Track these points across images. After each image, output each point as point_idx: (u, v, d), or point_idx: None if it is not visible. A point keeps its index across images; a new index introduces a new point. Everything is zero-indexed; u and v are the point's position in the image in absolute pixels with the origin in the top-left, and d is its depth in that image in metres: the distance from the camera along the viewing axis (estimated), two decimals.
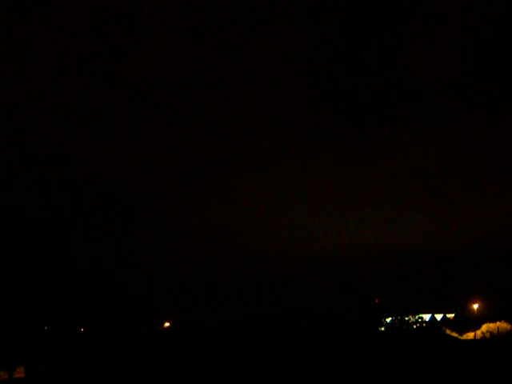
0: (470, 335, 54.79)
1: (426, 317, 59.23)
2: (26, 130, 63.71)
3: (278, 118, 71.75)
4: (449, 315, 62.35)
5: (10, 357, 44.16)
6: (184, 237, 65.99)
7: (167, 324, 59.57)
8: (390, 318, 57.15)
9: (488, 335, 52.55)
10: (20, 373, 45.37)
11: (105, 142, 66.85)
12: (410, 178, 72.12)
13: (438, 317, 61.71)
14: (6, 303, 44.96)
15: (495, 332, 52.32)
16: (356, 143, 73.17)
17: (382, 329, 56.77)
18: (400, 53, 72.44)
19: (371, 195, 70.01)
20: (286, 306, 60.17)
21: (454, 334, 55.19)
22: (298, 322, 57.43)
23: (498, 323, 53.35)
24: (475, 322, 55.96)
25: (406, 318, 55.89)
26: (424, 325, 56.54)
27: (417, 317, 55.96)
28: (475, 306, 58.29)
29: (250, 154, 72.77)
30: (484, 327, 54.77)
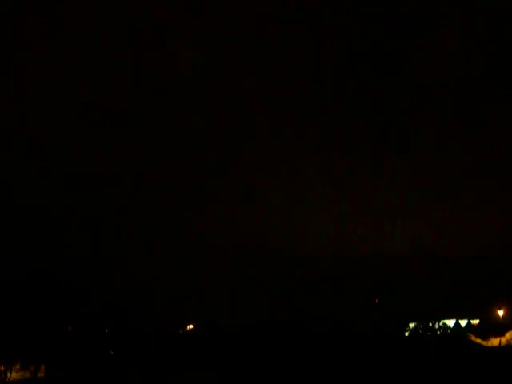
0: (495, 342, 54.04)
1: (451, 323, 58.46)
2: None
3: (285, 123, 71.32)
4: (473, 321, 61.50)
5: (33, 356, 44.52)
6: (198, 242, 65.85)
7: (191, 326, 59.55)
8: (413, 324, 56.54)
9: None
10: (41, 372, 45.88)
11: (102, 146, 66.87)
12: (436, 180, 71.17)
13: (463, 323, 60.89)
14: (30, 304, 45.19)
15: None
16: (368, 152, 72.54)
17: (406, 334, 56.17)
18: (421, 60, 71.69)
19: (386, 202, 69.38)
20: (301, 311, 59.77)
21: (479, 341, 54.50)
22: (317, 326, 56.96)
23: None
24: (500, 328, 55.17)
25: (430, 324, 55.29)
26: (448, 331, 55.87)
27: (441, 323, 55.31)
28: (500, 313, 57.46)
29: (259, 159, 72.23)
30: (508, 334, 54.03)
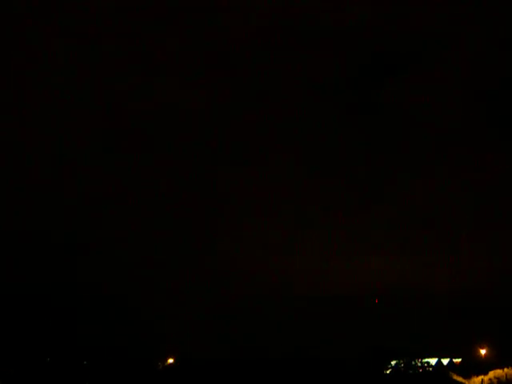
0: (477, 381, 53.71)
1: (433, 361, 58.34)
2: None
3: (282, 151, 72.25)
4: (455, 360, 61.32)
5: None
6: (191, 273, 66.00)
7: (171, 360, 58.81)
8: (394, 361, 56.39)
9: (496, 382, 51.51)
10: None
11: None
12: (415, 222, 72.23)
13: (445, 361, 60.71)
14: (9, 332, 45.07)
15: (503, 379, 51.29)
16: (364, 188, 73.67)
17: (387, 372, 55.94)
18: (408, 95, 73.66)
19: (375, 240, 70.10)
20: (287, 347, 59.58)
21: (461, 380, 54.15)
22: (301, 365, 56.64)
23: (505, 370, 52.35)
24: (482, 367, 54.93)
25: (413, 362, 55.16)
26: (430, 369, 55.68)
27: (423, 360, 55.20)
28: (483, 352, 57.40)
29: (258, 191, 73.13)
30: (491, 373, 53.75)
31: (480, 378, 53.61)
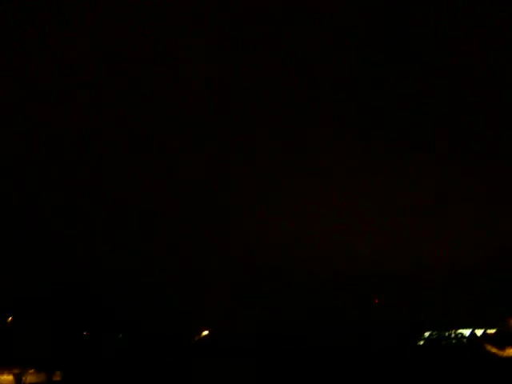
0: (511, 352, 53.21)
1: (466, 332, 57.86)
2: None
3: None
4: (490, 331, 60.66)
5: (48, 360, 45.28)
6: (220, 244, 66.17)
7: (205, 332, 59.56)
8: (428, 333, 56.09)
9: None
10: (57, 376, 46.64)
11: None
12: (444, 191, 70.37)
13: (479, 332, 60.12)
14: (46, 307, 46.09)
15: None
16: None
17: (421, 343, 55.72)
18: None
19: (417, 209, 68.64)
20: (314, 320, 59.60)
21: (495, 350, 53.71)
22: (333, 337, 56.73)
23: None
24: None
25: (446, 333, 54.78)
26: (464, 340, 55.28)
27: (456, 332, 54.78)
28: None
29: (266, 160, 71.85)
30: None
31: None
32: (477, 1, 53.90)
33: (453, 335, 54.92)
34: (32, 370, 44.30)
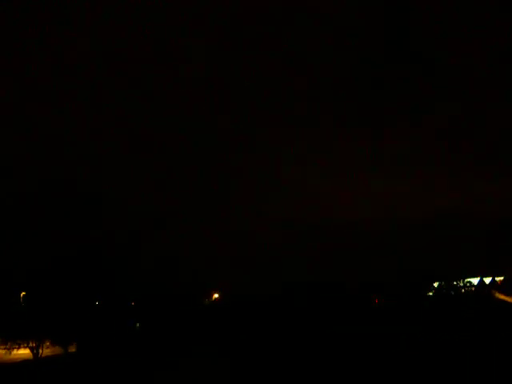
0: None
1: (475, 281, 57.38)
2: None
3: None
4: (498, 278, 60.15)
5: (63, 332, 44.84)
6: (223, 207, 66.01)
7: (216, 295, 59.28)
8: (437, 283, 55.45)
9: None
10: (72, 347, 46.43)
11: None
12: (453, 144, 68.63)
13: (487, 280, 59.67)
14: (60, 280, 45.58)
15: None
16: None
17: (430, 294, 55.18)
18: None
19: (416, 161, 67.27)
20: (323, 274, 58.50)
21: (504, 297, 53.31)
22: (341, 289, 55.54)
23: None
24: None
25: (455, 283, 54.19)
26: (472, 289, 54.73)
27: (465, 281, 54.29)
28: None
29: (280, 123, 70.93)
30: None
31: None
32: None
33: (461, 284, 54.27)
34: (48, 343, 43.96)
